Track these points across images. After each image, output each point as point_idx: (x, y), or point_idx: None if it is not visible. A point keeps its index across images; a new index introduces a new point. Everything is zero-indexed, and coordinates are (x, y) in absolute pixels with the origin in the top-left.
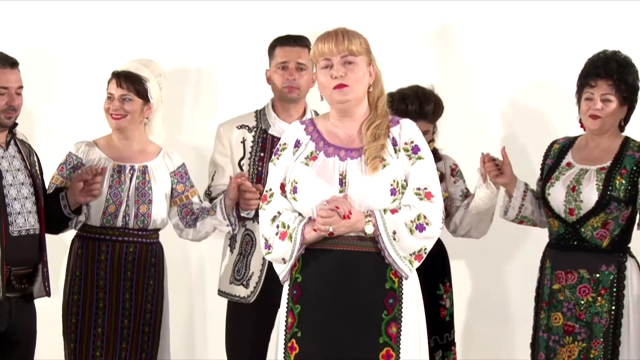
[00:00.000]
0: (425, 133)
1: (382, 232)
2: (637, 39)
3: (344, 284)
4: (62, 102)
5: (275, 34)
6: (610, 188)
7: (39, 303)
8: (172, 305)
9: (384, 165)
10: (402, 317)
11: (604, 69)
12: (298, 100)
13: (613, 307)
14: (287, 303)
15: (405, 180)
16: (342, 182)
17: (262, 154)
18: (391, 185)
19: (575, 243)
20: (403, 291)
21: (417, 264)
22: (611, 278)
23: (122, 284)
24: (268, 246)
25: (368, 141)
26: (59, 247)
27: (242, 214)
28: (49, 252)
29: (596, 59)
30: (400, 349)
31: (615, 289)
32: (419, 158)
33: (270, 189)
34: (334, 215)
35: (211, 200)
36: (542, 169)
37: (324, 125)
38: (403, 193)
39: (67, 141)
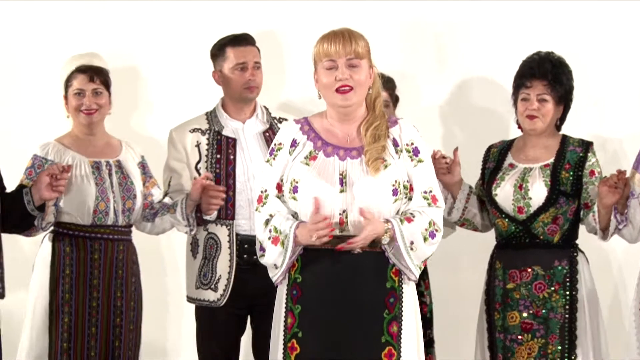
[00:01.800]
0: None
1: (400, 242)
2: (631, 38)
3: (344, 284)
4: (8, 102)
5: (217, 32)
6: (557, 183)
7: None
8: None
9: (385, 166)
10: (402, 316)
11: (539, 69)
12: (254, 98)
13: (567, 302)
14: (286, 303)
15: (407, 181)
16: (342, 181)
17: (218, 156)
18: (393, 185)
19: (527, 240)
20: (403, 290)
21: (422, 268)
22: (564, 273)
23: (113, 283)
24: (262, 249)
25: (368, 142)
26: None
27: (204, 217)
28: None
29: (530, 60)
30: (401, 347)
31: (568, 284)
32: (420, 161)
33: (266, 190)
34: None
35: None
36: (482, 173)
37: (320, 124)
38: (405, 194)
39: (17, 141)
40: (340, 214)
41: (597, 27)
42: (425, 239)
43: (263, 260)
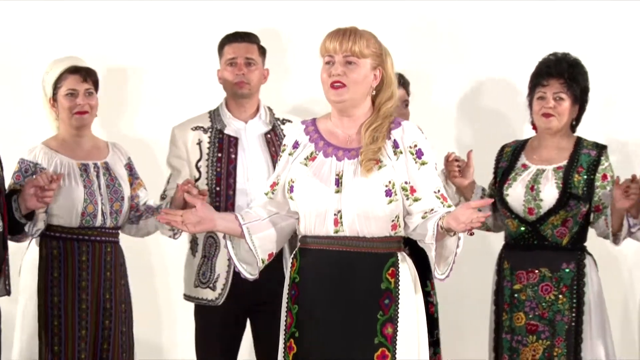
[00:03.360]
0: None
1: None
2: (633, 39)
3: (340, 285)
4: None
5: (222, 33)
6: (569, 186)
7: None
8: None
9: (380, 167)
10: (398, 317)
11: (556, 68)
12: (250, 96)
13: (574, 305)
14: (287, 303)
15: (407, 182)
16: (338, 182)
17: (219, 155)
18: (386, 186)
19: (536, 242)
20: (399, 291)
21: None
22: (572, 276)
23: (102, 285)
24: None
25: (365, 143)
26: None
27: None
28: None
29: (547, 60)
30: (396, 349)
31: (575, 287)
32: (423, 163)
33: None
34: None
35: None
36: (495, 173)
37: (324, 125)
38: (405, 195)
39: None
40: (335, 214)
41: (612, 27)
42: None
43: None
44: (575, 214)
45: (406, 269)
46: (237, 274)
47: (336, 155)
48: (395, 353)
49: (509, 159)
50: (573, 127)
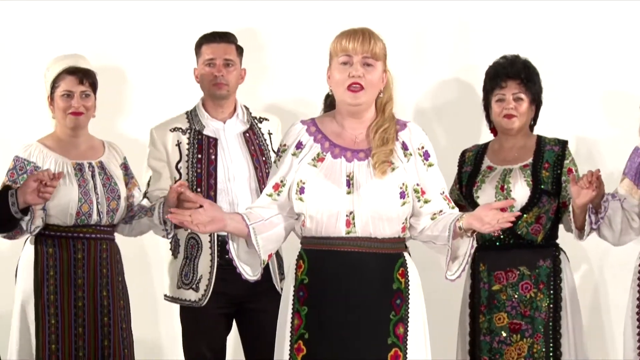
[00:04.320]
0: None
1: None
2: (609, 37)
3: (351, 286)
4: None
5: (202, 32)
6: (539, 182)
7: None
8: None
9: (393, 169)
10: (408, 317)
11: (512, 69)
12: (228, 97)
13: (552, 301)
14: (293, 304)
15: (418, 184)
16: (349, 183)
17: (199, 156)
18: (400, 188)
19: (512, 241)
20: (409, 292)
21: None
22: (548, 272)
23: (99, 282)
24: None
25: (376, 145)
26: None
27: None
28: None
29: (500, 63)
30: (407, 349)
31: (552, 283)
32: (430, 165)
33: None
34: None
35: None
36: (459, 177)
37: (327, 125)
38: (416, 197)
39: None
40: (347, 216)
41: (577, 26)
42: None
43: None
44: (547, 210)
45: (413, 268)
46: (220, 275)
47: (345, 157)
48: (407, 353)
49: (472, 163)
50: (531, 127)
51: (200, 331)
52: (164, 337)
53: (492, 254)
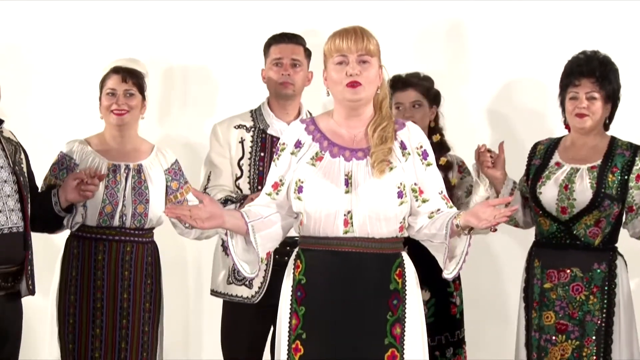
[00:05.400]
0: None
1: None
2: (633, 38)
3: (348, 286)
4: (52, 101)
5: (271, 33)
6: (603, 186)
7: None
8: (168, 306)
9: (391, 168)
10: (405, 317)
11: (587, 67)
12: (294, 97)
13: (605, 305)
14: (291, 304)
15: (416, 184)
16: (347, 182)
17: (262, 154)
18: (398, 187)
19: (568, 241)
20: (406, 292)
21: None
22: (603, 276)
23: (119, 284)
24: None
25: (375, 144)
26: (45, 247)
27: None
28: (37, 251)
29: (577, 59)
30: (404, 349)
31: (607, 288)
32: (428, 164)
33: (262, 189)
34: None
35: None
36: (527, 169)
37: (326, 124)
38: (414, 197)
39: (56, 141)
40: (345, 215)
41: (623, 25)
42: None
43: None
44: (608, 215)
45: (410, 268)
46: (274, 272)
47: (343, 156)
48: (404, 353)
49: (542, 157)
50: (606, 126)
51: (244, 328)
52: (190, 338)
53: (547, 251)
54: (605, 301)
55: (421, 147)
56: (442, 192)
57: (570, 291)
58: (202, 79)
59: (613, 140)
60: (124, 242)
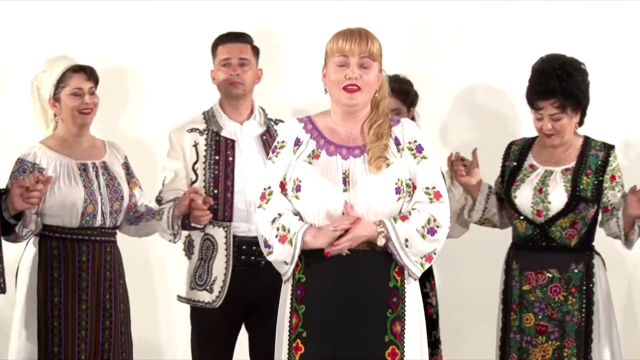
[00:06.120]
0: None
1: (394, 241)
2: (631, 38)
3: (348, 284)
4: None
5: (217, 33)
6: (578, 189)
7: None
8: (137, 306)
9: (388, 165)
10: (405, 315)
11: (547, 87)
12: (245, 97)
13: (584, 305)
14: (291, 303)
15: (410, 179)
16: (345, 180)
17: (217, 157)
18: (396, 184)
19: (544, 243)
20: (406, 290)
21: (427, 265)
22: (580, 276)
23: (102, 285)
24: (268, 245)
25: (371, 141)
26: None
27: (192, 224)
28: None
29: (538, 75)
30: (404, 347)
31: (585, 287)
32: (424, 157)
33: (269, 187)
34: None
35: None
36: (502, 171)
37: (323, 122)
38: (408, 192)
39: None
40: (343, 214)
41: (618, 27)
42: (423, 236)
43: (270, 257)
44: (584, 216)
45: None
46: (235, 277)
47: (340, 154)
48: (404, 351)
49: (516, 158)
50: (580, 122)
51: (211, 332)
52: (162, 338)
53: (525, 253)
54: (584, 301)
55: (415, 141)
56: (433, 187)
57: (549, 292)
58: (155, 80)
59: (587, 140)
60: (104, 242)
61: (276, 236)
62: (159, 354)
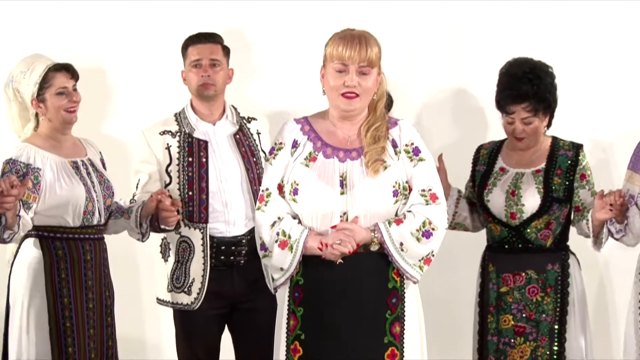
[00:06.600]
0: None
1: (389, 245)
2: (624, 38)
3: (347, 286)
4: None
5: (188, 33)
6: (550, 189)
7: None
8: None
9: (385, 168)
10: (404, 316)
11: (518, 92)
12: (216, 97)
13: (558, 305)
14: (289, 306)
15: (407, 182)
16: (342, 183)
17: (190, 159)
18: (393, 187)
19: (520, 245)
20: (405, 291)
21: (426, 267)
22: (556, 276)
23: (103, 282)
24: (265, 249)
25: (368, 143)
26: None
27: (161, 226)
28: None
29: (508, 82)
30: (404, 348)
31: (560, 287)
32: (420, 160)
33: (267, 189)
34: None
35: None
36: (472, 175)
37: (320, 124)
38: (405, 195)
39: None
40: (341, 217)
41: (590, 27)
42: (418, 240)
43: (266, 261)
44: (557, 217)
45: None
46: (214, 277)
47: (338, 157)
48: (404, 352)
49: (485, 162)
50: (548, 125)
51: (194, 333)
52: (147, 337)
53: (501, 256)
54: (558, 301)
55: (412, 144)
56: (429, 189)
57: (527, 293)
58: (127, 79)
59: (555, 140)
60: (101, 240)
61: (276, 241)
62: (144, 353)
